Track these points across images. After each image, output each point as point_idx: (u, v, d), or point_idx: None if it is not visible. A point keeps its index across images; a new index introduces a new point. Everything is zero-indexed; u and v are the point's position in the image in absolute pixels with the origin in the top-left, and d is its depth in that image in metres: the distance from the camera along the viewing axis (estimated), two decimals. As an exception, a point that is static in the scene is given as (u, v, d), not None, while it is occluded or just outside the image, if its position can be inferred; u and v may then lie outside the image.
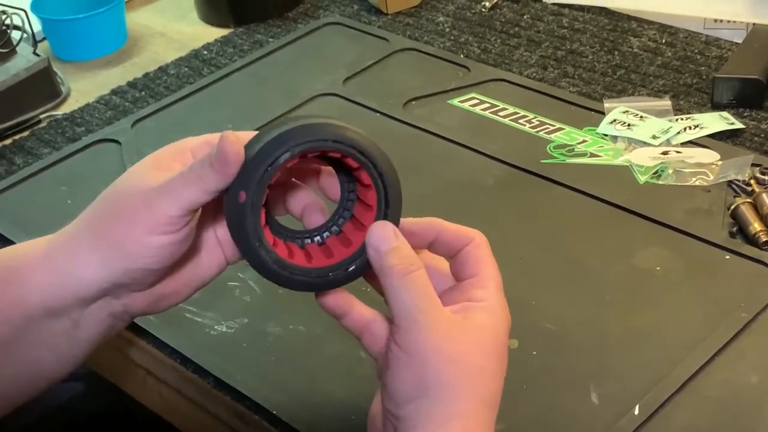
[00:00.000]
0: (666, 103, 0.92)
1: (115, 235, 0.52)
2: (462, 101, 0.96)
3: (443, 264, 0.56)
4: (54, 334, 0.54)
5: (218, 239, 0.57)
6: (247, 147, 0.52)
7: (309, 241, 0.56)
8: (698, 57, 0.99)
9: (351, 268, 0.53)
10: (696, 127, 0.88)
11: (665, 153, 0.85)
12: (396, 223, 0.53)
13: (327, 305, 0.55)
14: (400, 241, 0.52)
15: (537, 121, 0.92)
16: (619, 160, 0.86)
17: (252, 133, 0.53)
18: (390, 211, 0.53)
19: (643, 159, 0.85)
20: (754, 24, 1.00)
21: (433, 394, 0.50)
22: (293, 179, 0.57)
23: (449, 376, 0.50)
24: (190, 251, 0.54)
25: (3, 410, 0.57)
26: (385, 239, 0.52)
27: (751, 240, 0.76)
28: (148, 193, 0.51)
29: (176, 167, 0.52)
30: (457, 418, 0.50)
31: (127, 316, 0.56)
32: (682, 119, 0.89)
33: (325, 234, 0.56)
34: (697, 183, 0.82)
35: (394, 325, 0.51)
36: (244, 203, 0.50)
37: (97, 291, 0.53)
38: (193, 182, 0.51)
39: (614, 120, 0.90)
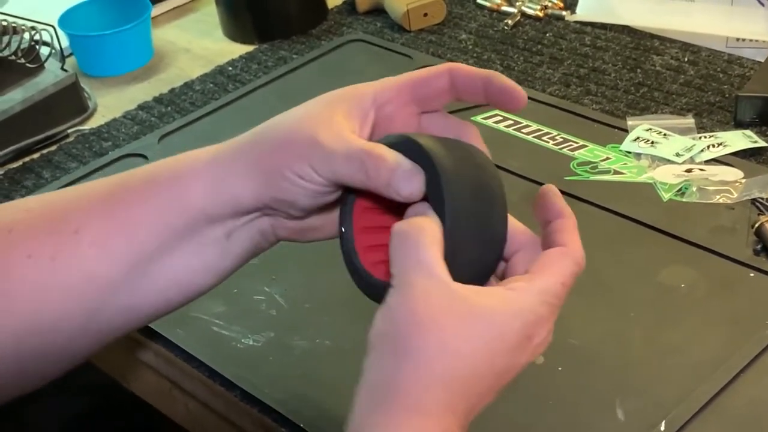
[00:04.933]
0: (689, 121, 0.93)
1: (268, 164, 0.53)
2: (485, 118, 0.97)
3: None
4: (208, 242, 0.55)
5: None
6: None
7: None
8: (721, 75, 1.00)
9: None
10: (719, 145, 0.88)
11: (689, 171, 0.86)
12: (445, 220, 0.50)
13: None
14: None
15: (560, 138, 0.93)
16: (642, 178, 0.86)
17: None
18: (438, 207, 0.51)
19: (666, 176, 0.86)
20: (776, 43, 1.01)
21: (395, 347, 0.47)
22: None
23: (410, 333, 0.46)
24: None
25: (145, 322, 0.57)
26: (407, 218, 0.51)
27: (776, 258, 0.76)
28: (314, 144, 0.51)
29: (354, 126, 0.53)
30: (404, 411, 0.47)
31: (273, 237, 0.57)
32: (705, 137, 0.90)
33: None
34: (720, 201, 0.82)
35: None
36: (342, 234, 0.55)
37: (248, 208, 0.54)
38: (354, 173, 0.51)
39: (637, 137, 0.90)
